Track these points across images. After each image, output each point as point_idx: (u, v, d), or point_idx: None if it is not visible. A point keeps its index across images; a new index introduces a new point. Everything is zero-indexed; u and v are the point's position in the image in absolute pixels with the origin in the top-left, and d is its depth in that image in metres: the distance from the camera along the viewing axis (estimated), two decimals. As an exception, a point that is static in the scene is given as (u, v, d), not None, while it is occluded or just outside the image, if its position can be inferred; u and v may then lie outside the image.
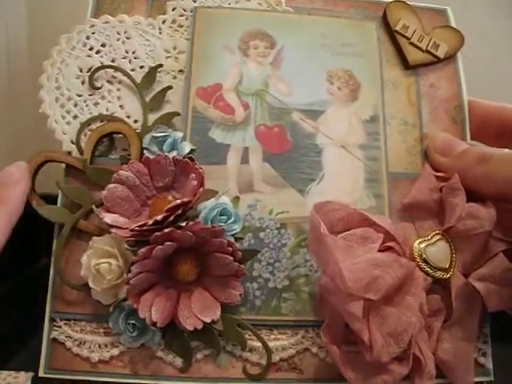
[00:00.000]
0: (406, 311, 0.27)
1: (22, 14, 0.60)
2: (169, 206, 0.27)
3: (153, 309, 0.27)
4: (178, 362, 0.29)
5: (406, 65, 0.34)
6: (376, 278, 0.27)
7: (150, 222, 0.26)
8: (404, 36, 0.35)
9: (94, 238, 0.29)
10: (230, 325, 0.29)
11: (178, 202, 0.27)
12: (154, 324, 0.27)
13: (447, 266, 0.29)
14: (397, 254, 0.29)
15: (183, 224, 0.27)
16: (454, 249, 0.30)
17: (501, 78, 0.63)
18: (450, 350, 0.29)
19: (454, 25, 0.36)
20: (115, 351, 0.29)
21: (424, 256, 0.29)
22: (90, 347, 0.29)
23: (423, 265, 0.29)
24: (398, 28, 0.35)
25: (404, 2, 0.36)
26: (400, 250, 0.29)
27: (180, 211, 0.27)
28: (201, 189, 0.28)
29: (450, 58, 0.35)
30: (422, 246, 0.30)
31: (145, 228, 0.27)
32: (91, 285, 0.28)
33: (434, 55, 0.35)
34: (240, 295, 0.28)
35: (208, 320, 0.28)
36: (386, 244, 0.29)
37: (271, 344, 0.29)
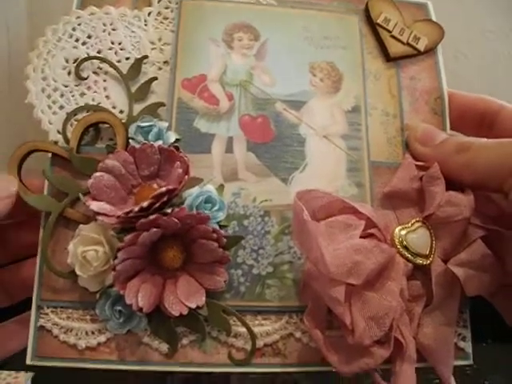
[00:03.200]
0: (387, 296, 0.28)
1: (22, 15, 0.59)
2: (155, 193, 0.27)
3: (139, 295, 0.27)
4: (164, 347, 0.29)
5: (387, 57, 0.35)
6: (358, 263, 0.27)
7: (137, 209, 0.27)
8: (385, 29, 0.35)
9: (81, 225, 0.29)
10: (214, 311, 0.29)
11: (164, 189, 0.27)
12: (141, 310, 0.27)
13: (427, 253, 0.30)
14: (378, 240, 0.29)
15: (169, 211, 0.28)
16: (433, 236, 0.31)
17: (501, 77, 0.63)
18: (431, 335, 0.30)
19: (434, 18, 0.37)
20: (102, 338, 0.29)
21: (404, 243, 0.30)
22: (76, 334, 0.29)
23: (404, 251, 0.30)
24: (379, 21, 0.36)
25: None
26: (381, 237, 0.30)
27: (165, 198, 0.28)
28: (186, 176, 0.29)
29: (431, 50, 0.36)
30: (403, 232, 0.30)
31: (131, 215, 0.27)
32: (78, 272, 0.28)
33: (415, 48, 0.35)
34: (224, 281, 0.29)
35: (193, 305, 0.28)
36: (368, 231, 0.30)
37: (256, 329, 0.30)
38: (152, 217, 0.27)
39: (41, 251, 0.29)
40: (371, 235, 0.30)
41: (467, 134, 0.35)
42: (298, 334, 0.30)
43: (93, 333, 0.29)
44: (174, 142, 0.31)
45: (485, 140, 0.31)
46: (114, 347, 0.29)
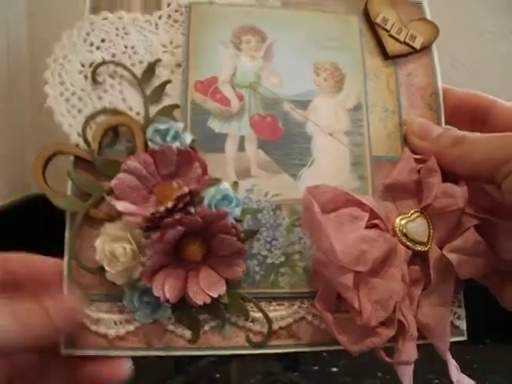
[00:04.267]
0: (390, 281, 0.31)
1: (22, 15, 0.60)
2: (178, 194, 0.29)
3: (165, 287, 0.30)
4: (188, 334, 0.32)
5: (386, 55, 0.37)
6: (364, 252, 0.30)
7: (162, 210, 0.29)
8: (384, 28, 0.37)
9: (106, 224, 0.31)
10: (234, 298, 0.32)
11: (186, 190, 0.29)
12: (167, 301, 0.30)
13: (425, 240, 0.33)
14: (381, 230, 0.32)
15: (191, 210, 0.30)
16: (431, 224, 0.33)
17: (500, 78, 0.65)
18: (429, 314, 0.33)
19: (429, 17, 0.39)
20: (130, 327, 0.31)
21: (404, 231, 0.33)
22: (106, 325, 0.31)
23: (404, 239, 0.33)
24: (378, 21, 0.37)
25: (383, -3, 0.38)
26: (383, 227, 0.32)
27: (187, 198, 0.30)
28: (205, 176, 0.31)
29: (426, 48, 0.38)
30: (403, 222, 0.33)
31: (157, 215, 0.29)
32: (107, 268, 0.30)
33: (412, 46, 0.37)
34: (242, 271, 0.31)
35: (215, 295, 0.31)
36: (372, 221, 0.32)
37: (271, 314, 0.32)
38: (177, 216, 0.29)
39: (68, 249, 0.31)
40: (375, 225, 0.32)
41: (462, 128, 0.37)
42: (309, 318, 0.33)
43: (121, 323, 0.31)
44: (190, 142, 0.33)
45: (478, 134, 0.34)
46: (141, 335, 0.31)
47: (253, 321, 0.32)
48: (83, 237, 0.32)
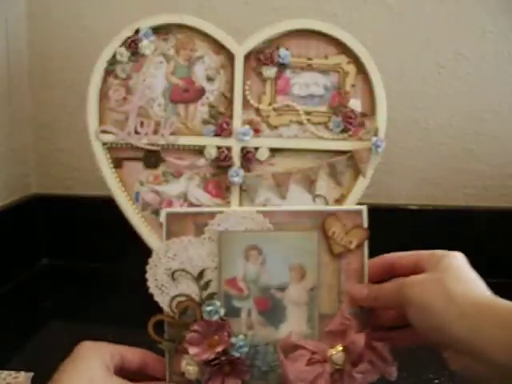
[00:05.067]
0: (320, 387, 0.64)
1: (22, 15, 0.60)
2: (217, 351, 0.62)
3: (213, 388, 0.65)
4: (225, 400, 0.67)
5: (333, 255, 0.65)
6: (305, 377, 0.63)
7: (210, 360, 0.63)
8: (332, 238, 0.65)
9: (185, 355, 0.65)
10: (245, 388, 0.66)
11: (220, 351, 0.63)
12: (214, 392, 0.65)
13: (342, 363, 0.65)
14: (318, 361, 0.64)
15: (223, 358, 0.63)
16: (347, 353, 0.65)
17: (500, 78, 0.73)
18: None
19: (365, 222, 0.65)
20: (198, 397, 0.67)
21: (332, 358, 0.64)
22: (188, 396, 0.67)
23: (331, 363, 0.64)
24: (329, 234, 0.65)
25: (334, 215, 0.65)
26: (320, 358, 0.64)
27: (222, 352, 0.63)
28: (230, 339, 0.63)
29: (360, 246, 0.65)
30: (333, 354, 0.64)
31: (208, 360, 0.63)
32: (186, 375, 0.65)
33: (349, 248, 0.65)
34: (248, 377, 0.65)
35: (236, 389, 0.65)
36: (313, 356, 0.64)
37: (264, 393, 0.67)
38: (217, 361, 0.63)
39: (168, 366, 0.66)
40: (314, 358, 0.64)
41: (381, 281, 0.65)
42: (283, 396, 0.67)
43: (194, 395, 0.67)
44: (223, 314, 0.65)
45: (389, 286, 0.62)
46: (204, 400, 0.67)
47: (254, 396, 0.67)
48: (176, 359, 0.66)
